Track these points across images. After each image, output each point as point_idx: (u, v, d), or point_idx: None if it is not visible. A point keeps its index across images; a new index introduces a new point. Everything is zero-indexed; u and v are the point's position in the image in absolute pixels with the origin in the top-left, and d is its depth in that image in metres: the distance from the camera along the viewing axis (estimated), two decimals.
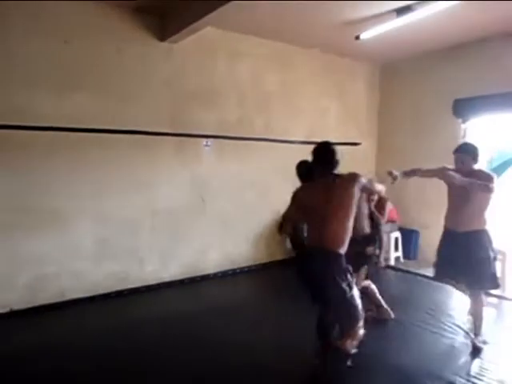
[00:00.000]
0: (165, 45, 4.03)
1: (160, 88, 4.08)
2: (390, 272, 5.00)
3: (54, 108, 3.51)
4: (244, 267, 4.66)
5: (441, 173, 2.92)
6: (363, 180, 2.19)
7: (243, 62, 4.65)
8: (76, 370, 2.59)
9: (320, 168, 2.28)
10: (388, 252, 5.18)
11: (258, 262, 4.86)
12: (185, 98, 4.23)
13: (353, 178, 2.18)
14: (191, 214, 4.36)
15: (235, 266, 4.67)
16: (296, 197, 2.39)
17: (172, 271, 4.24)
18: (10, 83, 3.32)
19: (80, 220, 3.71)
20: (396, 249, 5.33)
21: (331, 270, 2.13)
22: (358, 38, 4.29)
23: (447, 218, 3.03)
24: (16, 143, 3.37)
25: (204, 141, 4.39)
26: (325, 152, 2.28)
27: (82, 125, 3.63)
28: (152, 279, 4.11)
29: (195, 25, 3.53)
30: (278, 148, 4.91)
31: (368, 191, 2.23)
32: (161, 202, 4.14)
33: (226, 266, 4.61)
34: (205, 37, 4.06)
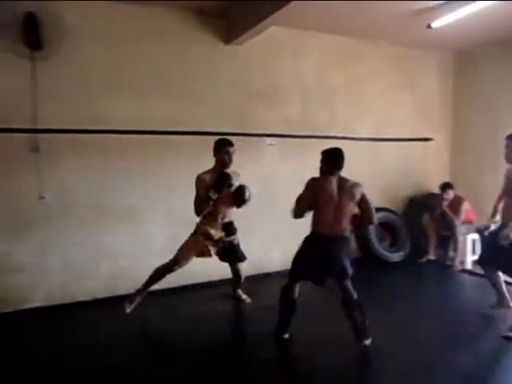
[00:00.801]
0: (230, 47, 4.14)
1: (225, 89, 4.20)
2: (466, 276, 4.64)
3: (125, 112, 3.76)
4: None
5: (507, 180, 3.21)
6: (364, 195, 2.75)
7: (307, 59, 4.62)
8: (151, 356, 2.78)
9: (331, 167, 2.85)
10: (464, 255, 4.84)
11: None
12: (250, 97, 4.32)
13: (358, 190, 2.76)
14: (255, 212, 4.42)
15: None
16: (311, 186, 2.85)
17: None
18: (86, 92, 3.63)
19: (152, 217, 3.97)
20: (473, 252, 4.95)
21: (345, 248, 2.81)
22: (429, 26, 4.04)
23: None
24: (95, 146, 3.70)
25: (268, 140, 4.44)
26: (339, 156, 2.88)
27: (153, 127, 3.86)
28: (216, 275, 4.24)
29: (259, 26, 3.57)
30: (342, 145, 4.76)
31: (363, 206, 2.77)
32: None
33: (288, 265, 4.59)
34: (269, 36, 4.08)
